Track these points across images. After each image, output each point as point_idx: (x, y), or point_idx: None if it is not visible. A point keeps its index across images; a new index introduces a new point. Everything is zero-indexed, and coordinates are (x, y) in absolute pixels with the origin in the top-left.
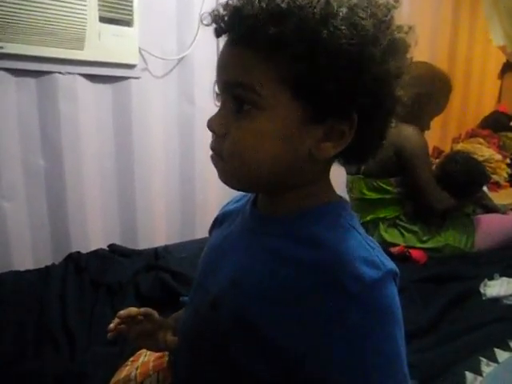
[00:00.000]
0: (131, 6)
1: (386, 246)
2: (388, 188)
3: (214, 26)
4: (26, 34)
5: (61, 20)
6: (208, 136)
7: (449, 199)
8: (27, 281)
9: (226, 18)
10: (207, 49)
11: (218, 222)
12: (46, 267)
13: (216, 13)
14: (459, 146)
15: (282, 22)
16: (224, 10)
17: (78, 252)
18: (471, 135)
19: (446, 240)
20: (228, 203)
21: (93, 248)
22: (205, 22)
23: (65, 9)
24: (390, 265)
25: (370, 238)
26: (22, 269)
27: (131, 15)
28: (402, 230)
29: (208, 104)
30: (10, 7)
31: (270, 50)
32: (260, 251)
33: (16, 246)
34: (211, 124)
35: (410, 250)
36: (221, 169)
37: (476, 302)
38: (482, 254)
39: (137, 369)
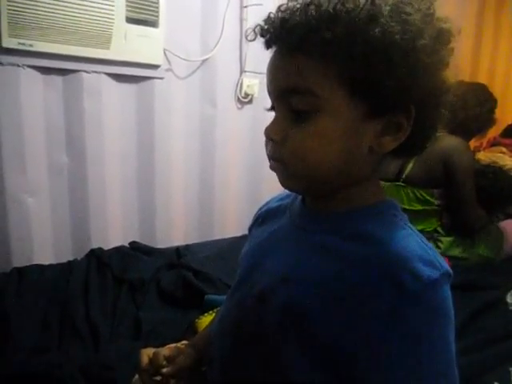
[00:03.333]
0: (157, 7)
1: None
2: (431, 199)
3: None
4: (54, 33)
5: (88, 20)
6: (228, 138)
7: (485, 217)
8: (50, 274)
9: (272, 30)
10: (230, 51)
11: (260, 220)
12: (69, 262)
13: (261, 27)
14: (481, 155)
15: (333, 26)
16: (268, 23)
17: (100, 248)
18: (493, 144)
19: (479, 251)
20: (269, 202)
21: (112, 245)
22: (249, 38)
23: (93, 9)
24: (446, 266)
25: (425, 238)
26: (42, 263)
27: (157, 16)
28: (438, 243)
29: (230, 106)
30: (39, 7)
31: (324, 54)
32: (310, 247)
33: (38, 241)
34: (268, 132)
35: None
36: (282, 173)
37: (502, 312)
38: (507, 263)
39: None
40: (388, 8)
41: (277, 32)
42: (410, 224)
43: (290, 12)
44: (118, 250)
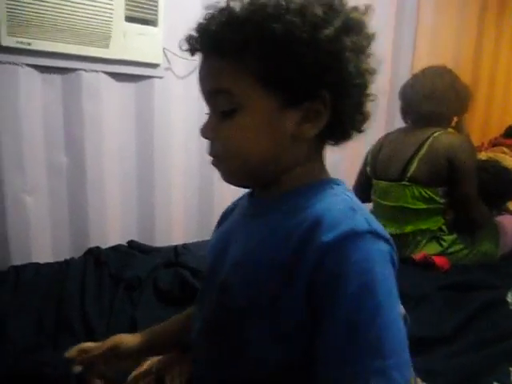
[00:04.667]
0: (156, 6)
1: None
2: (436, 198)
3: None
4: (53, 31)
5: (88, 18)
6: None
7: (489, 213)
8: (47, 273)
9: (195, 36)
10: None
11: (220, 221)
12: (66, 261)
13: (190, 35)
14: (482, 155)
15: (241, 28)
16: (196, 31)
17: (98, 247)
18: (494, 144)
19: (480, 248)
20: (228, 207)
21: (110, 244)
22: (183, 48)
23: (92, 7)
24: (378, 228)
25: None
26: (40, 261)
27: (156, 15)
28: (441, 241)
29: None
30: (37, 5)
31: (236, 55)
32: (257, 231)
33: (36, 239)
34: (203, 131)
35: (433, 257)
36: (221, 170)
37: (503, 311)
38: (507, 263)
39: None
40: (292, 4)
41: (199, 39)
42: (348, 193)
43: (209, 18)
44: (116, 248)
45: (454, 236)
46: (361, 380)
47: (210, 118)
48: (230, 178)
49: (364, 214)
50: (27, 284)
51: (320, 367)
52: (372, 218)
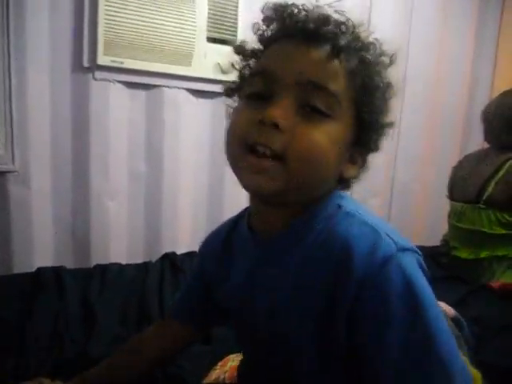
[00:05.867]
0: (236, 27)
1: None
2: None
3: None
4: (142, 51)
5: (173, 39)
6: None
7: None
8: (129, 272)
9: (313, 18)
10: None
11: (206, 254)
12: (145, 263)
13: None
14: None
15: (358, 53)
16: (286, 16)
17: (174, 252)
18: None
19: None
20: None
21: (181, 250)
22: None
23: (177, 29)
24: (401, 241)
25: (375, 215)
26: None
27: (235, 35)
28: None
29: None
30: (131, 28)
31: (355, 69)
32: (279, 279)
33: (115, 241)
34: (275, 116)
35: None
36: (273, 169)
37: None
38: None
39: (225, 373)
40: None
41: (317, 20)
42: (356, 205)
43: (317, 15)
44: (190, 255)
45: None
46: None
47: (284, 105)
48: (281, 182)
49: (385, 230)
50: (112, 281)
51: None
52: (392, 231)
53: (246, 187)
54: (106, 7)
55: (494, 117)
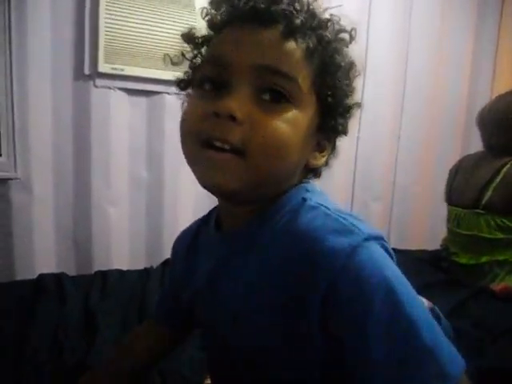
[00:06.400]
0: None
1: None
2: None
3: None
4: (142, 58)
5: (173, 46)
6: None
7: None
8: (129, 278)
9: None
10: None
11: (177, 253)
12: (145, 269)
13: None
14: None
15: (315, 31)
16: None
17: None
18: None
19: None
20: (182, 236)
21: None
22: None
23: (177, 37)
24: (365, 229)
25: (340, 207)
26: (118, 268)
27: None
28: None
29: None
30: (131, 35)
31: (312, 49)
32: (243, 274)
33: (116, 247)
34: (230, 108)
35: None
36: (232, 165)
37: None
38: None
39: None
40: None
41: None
42: (321, 197)
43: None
44: None
45: None
46: None
47: (239, 94)
48: (242, 177)
49: (349, 220)
50: (113, 287)
51: None
52: (357, 221)
53: (204, 186)
54: (107, 15)
55: (488, 121)
